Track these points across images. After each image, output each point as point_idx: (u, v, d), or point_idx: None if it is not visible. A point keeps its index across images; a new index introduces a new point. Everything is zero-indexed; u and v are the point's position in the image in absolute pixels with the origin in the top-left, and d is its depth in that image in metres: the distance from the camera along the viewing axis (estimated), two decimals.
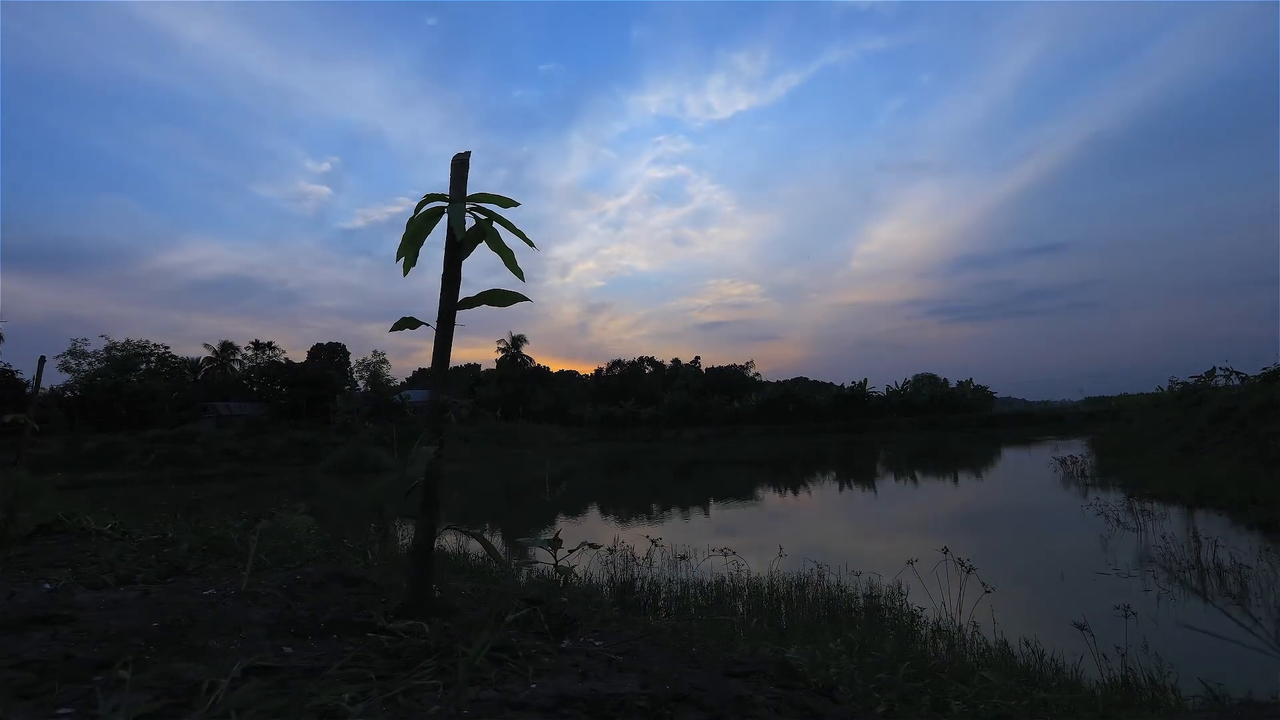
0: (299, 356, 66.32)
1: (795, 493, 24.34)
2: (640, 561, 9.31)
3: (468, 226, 2.15)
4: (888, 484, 25.88)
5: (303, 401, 56.29)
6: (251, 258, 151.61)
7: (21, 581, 2.40)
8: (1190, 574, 9.27)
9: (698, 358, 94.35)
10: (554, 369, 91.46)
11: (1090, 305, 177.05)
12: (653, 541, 9.57)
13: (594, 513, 20.69)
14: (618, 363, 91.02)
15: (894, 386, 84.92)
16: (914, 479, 27.36)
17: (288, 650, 1.63)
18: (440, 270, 2.18)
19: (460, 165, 2.18)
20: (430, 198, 2.15)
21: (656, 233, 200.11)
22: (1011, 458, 35.84)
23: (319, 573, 2.46)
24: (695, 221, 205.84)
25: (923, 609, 6.99)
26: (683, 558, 9.71)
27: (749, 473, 33.06)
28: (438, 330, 2.11)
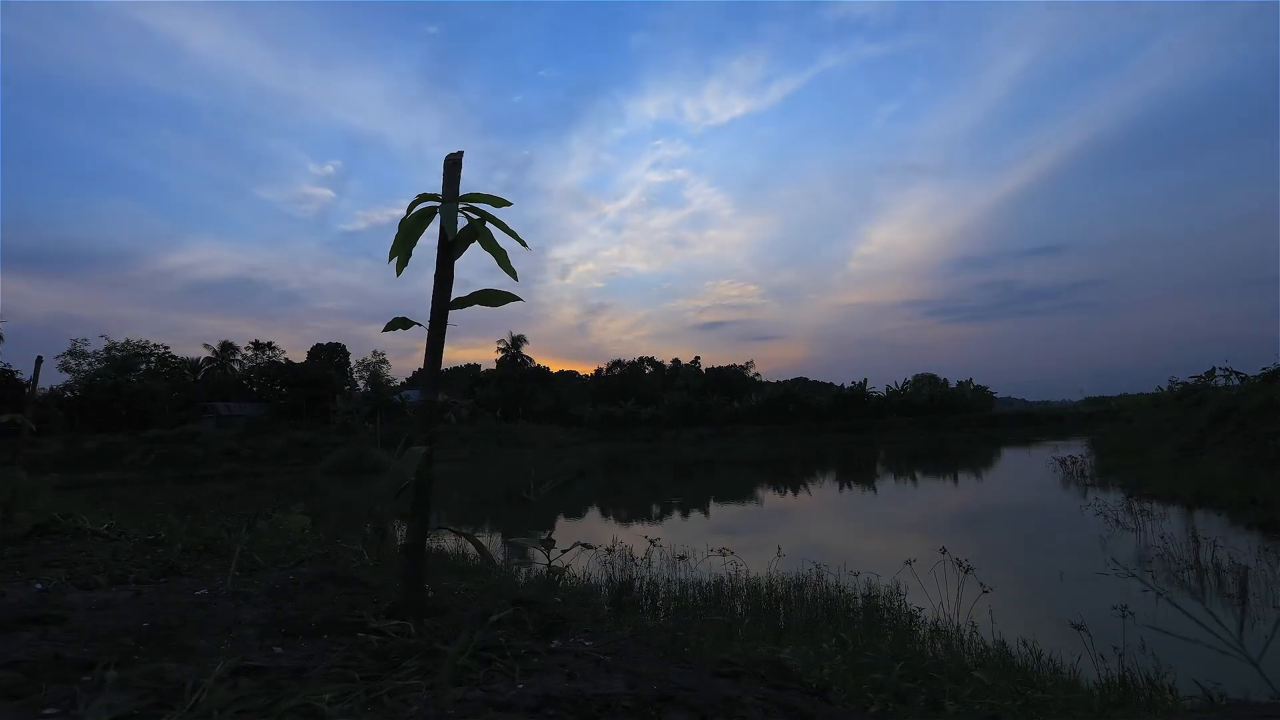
0: (300, 357, 66.37)
1: (795, 493, 24.33)
2: (639, 562, 9.32)
3: (460, 226, 2.15)
4: (887, 484, 25.87)
5: (303, 402, 56.30)
6: (254, 259, 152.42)
7: (14, 581, 2.40)
8: (1189, 574, 9.26)
9: (698, 358, 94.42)
10: (554, 369, 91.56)
11: (1090, 305, 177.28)
12: (651, 542, 9.57)
13: (594, 513, 20.69)
14: (618, 363, 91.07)
15: (894, 386, 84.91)
16: (914, 479, 27.35)
17: (278, 650, 1.63)
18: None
19: (452, 165, 2.18)
20: (423, 198, 2.15)
21: (655, 234, 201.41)
22: (1011, 458, 35.83)
23: (312, 573, 2.46)
24: (694, 224, 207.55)
25: (921, 609, 6.99)
26: (681, 558, 9.70)
27: (749, 473, 33.05)
28: (430, 330, 2.11)
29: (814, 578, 8.16)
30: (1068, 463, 23.76)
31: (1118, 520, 13.29)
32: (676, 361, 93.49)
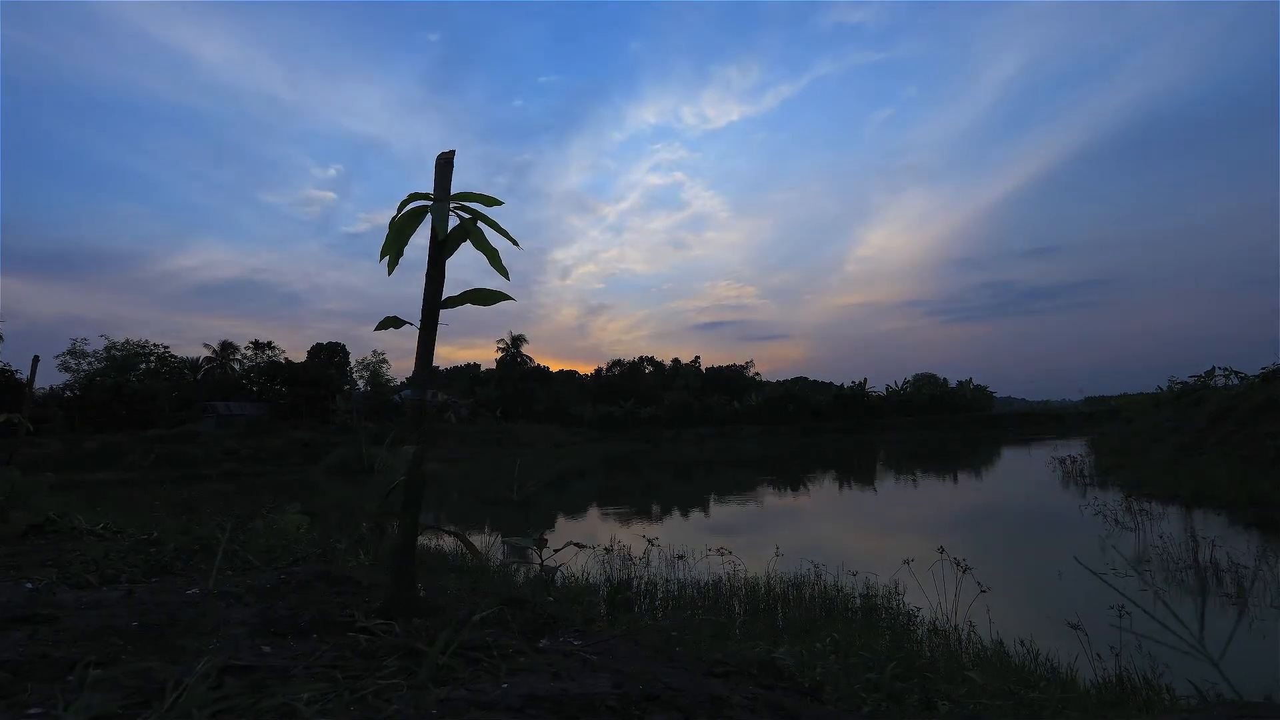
0: (301, 357, 66.27)
1: (794, 493, 24.33)
2: (637, 561, 9.32)
3: (452, 225, 2.15)
4: (887, 484, 25.87)
5: (302, 401, 56.28)
6: (257, 261, 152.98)
7: (6, 581, 2.40)
8: (1187, 574, 9.26)
9: (697, 358, 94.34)
10: (554, 369, 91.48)
11: (1089, 305, 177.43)
12: (649, 541, 9.57)
13: (593, 512, 20.69)
14: (617, 363, 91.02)
15: (894, 386, 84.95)
16: (913, 479, 27.34)
17: (266, 649, 1.63)
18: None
19: (444, 164, 2.18)
20: (414, 197, 2.15)
21: (654, 236, 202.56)
22: (1011, 458, 35.82)
23: (305, 572, 2.46)
24: (692, 226, 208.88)
25: (919, 609, 6.99)
26: (680, 557, 9.71)
27: (748, 473, 33.05)
28: (421, 329, 2.10)
29: (812, 577, 8.16)
30: (1067, 462, 23.75)
31: (1117, 520, 13.28)
32: (676, 361, 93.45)
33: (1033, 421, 74.02)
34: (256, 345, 68.22)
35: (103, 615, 1.86)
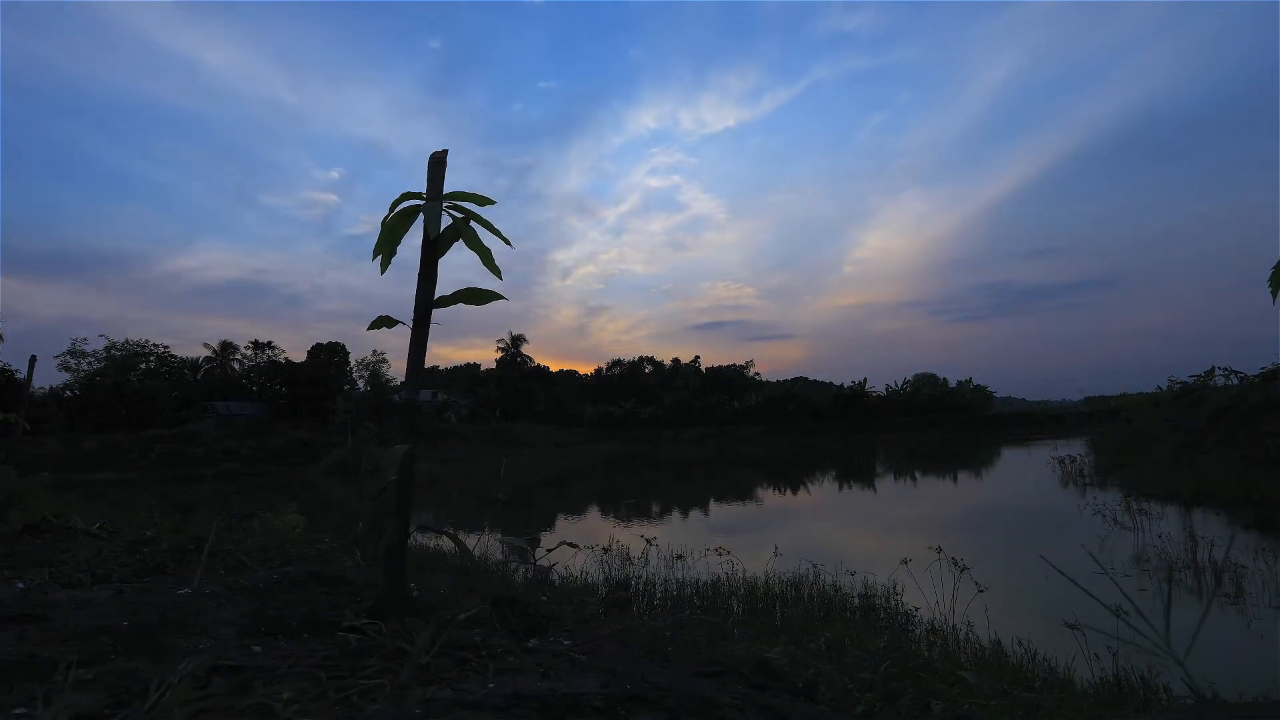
0: (302, 357, 66.24)
1: (794, 492, 24.32)
2: (636, 561, 9.32)
3: (444, 225, 2.14)
4: (887, 484, 25.87)
5: (303, 401, 56.25)
6: (260, 262, 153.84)
7: None
8: (1186, 573, 9.25)
9: (697, 357, 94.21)
10: (554, 369, 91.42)
11: (1089, 306, 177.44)
12: (647, 541, 9.57)
13: (593, 512, 20.69)
14: (617, 362, 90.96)
15: (894, 386, 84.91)
16: (913, 479, 27.34)
17: (256, 649, 1.63)
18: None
19: (436, 164, 2.17)
20: (406, 196, 2.14)
21: (654, 238, 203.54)
22: (1010, 458, 35.81)
23: (298, 572, 2.46)
24: (691, 228, 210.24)
25: (917, 609, 6.99)
26: (679, 557, 9.71)
27: (748, 472, 33.04)
28: (413, 328, 2.10)
29: (811, 577, 8.16)
30: (1066, 462, 23.75)
31: (1116, 520, 13.28)
32: (676, 361, 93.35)
33: (1032, 421, 74.02)
34: (256, 345, 68.17)
35: (93, 615, 1.85)
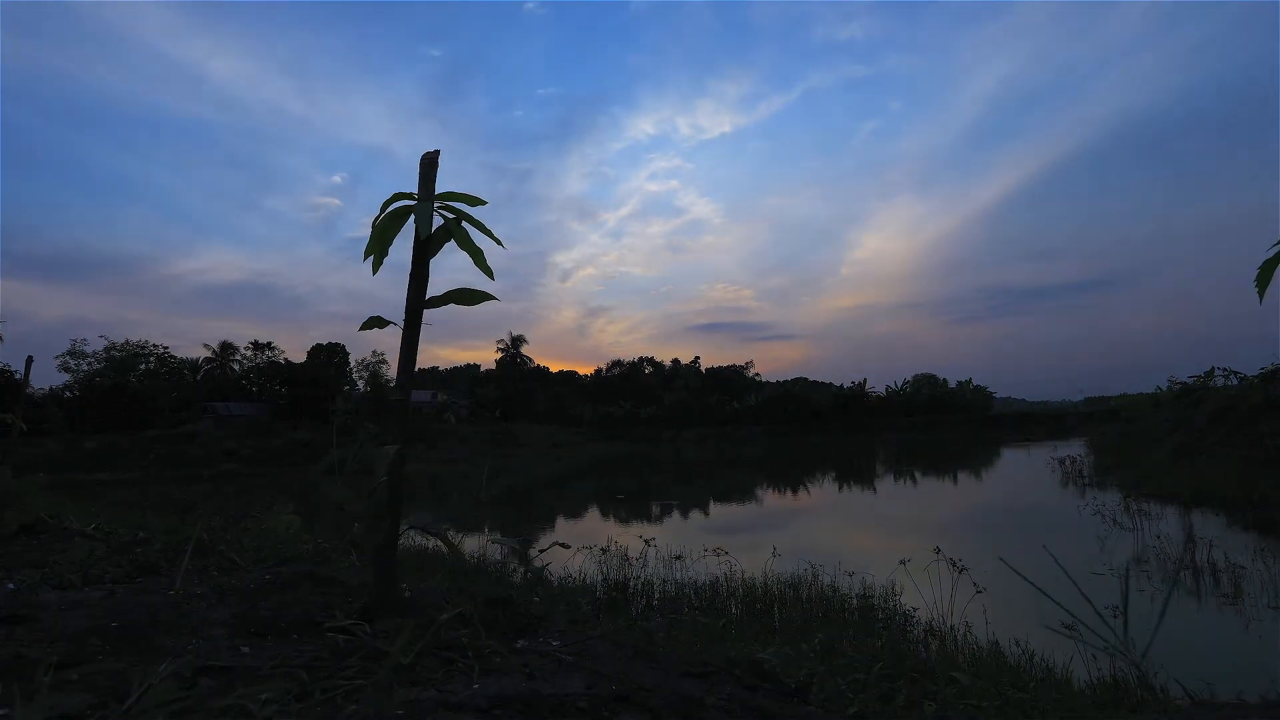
0: (303, 358, 66.30)
1: (794, 493, 24.32)
2: (634, 562, 9.31)
3: (436, 225, 2.14)
4: (886, 484, 25.86)
5: (302, 402, 56.25)
6: (262, 264, 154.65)
7: None
8: (1185, 574, 9.24)
9: (697, 358, 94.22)
10: (554, 370, 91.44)
11: (1089, 306, 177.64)
12: (646, 542, 9.56)
13: (593, 512, 20.69)
14: (617, 363, 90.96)
15: (894, 386, 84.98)
16: (913, 479, 27.34)
17: (245, 650, 1.62)
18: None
19: (428, 164, 2.17)
20: (398, 196, 2.14)
21: (653, 241, 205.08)
22: (1010, 458, 35.80)
23: (291, 572, 2.45)
24: (689, 231, 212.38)
25: (915, 609, 6.99)
26: (677, 558, 9.70)
27: (748, 473, 33.04)
28: (404, 329, 2.10)
29: (809, 578, 8.15)
30: (1066, 463, 23.75)
31: (1115, 520, 13.27)
32: (676, 361, 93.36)
33: (1032, 421, 74.04)
34: (256, 346, 68.18)
35: (83, 615, 1.85)
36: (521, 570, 7.69)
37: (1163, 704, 4.29)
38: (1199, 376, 28.70)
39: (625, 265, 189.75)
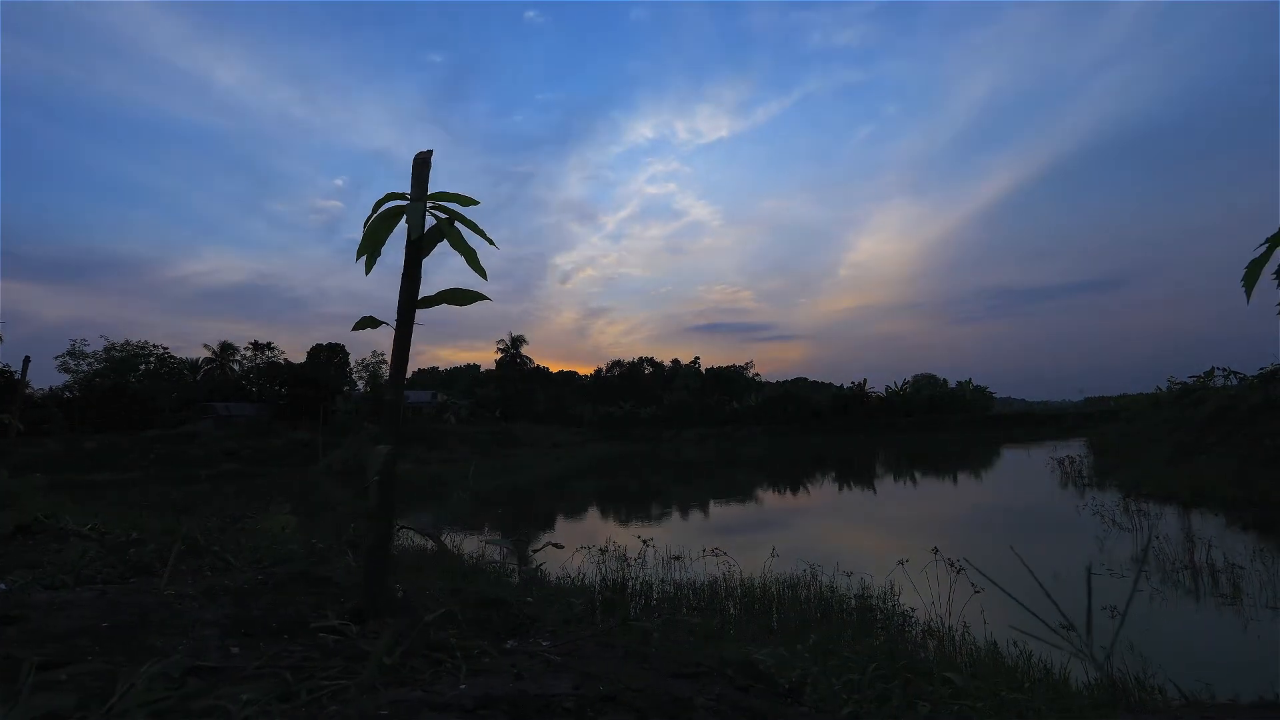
0: (304, 359, 66.33)
1: (793, 493, 24.31)
2: (633, 562, 9.30)
3: (428, 225, 2.14)
4: (886, 484, 25.85)
5: (302, 402, 56.26)
6: (264, 266, 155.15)
7: None
8: (1184, 574, 9.24)
9: (697, 358, 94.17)
10: (554, 370, 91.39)
11: (1088, 307, 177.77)
12: (644, 542, 9.55)
13: (593, 513, 20.69)
14: (617, 363, 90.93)
15: (894, 387, 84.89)
16: (912, 480, 27.33)
17: (235, 650, 1.62)
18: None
19: (421, 165, 2.17)
20: (391, 196, 2.14)
21: (652, 243, 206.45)
22: (1010, 458, 35.78)
23: (284, 573, 2.45)
24: (688, 234, 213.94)
25: (914, 609, 6.98)
26: (676, 558, 9.69)
27: (747, 473, 33.03)
28: (396, 328, 2.10)
29: (808, 578, 8.14)
30: (1066, 463, 23.74)
31: (1114, 520, 13.26)
32: (676, 362, 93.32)
33: (1032, 422, 74.04)
34: (256, 346, 68.19)
35: (74, 616, 1.85)
36: (519, 570, 7.69)
37: (1160, 703, 4.29)
38: (1199, 377, 28.70)
39: (625, 267, 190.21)
